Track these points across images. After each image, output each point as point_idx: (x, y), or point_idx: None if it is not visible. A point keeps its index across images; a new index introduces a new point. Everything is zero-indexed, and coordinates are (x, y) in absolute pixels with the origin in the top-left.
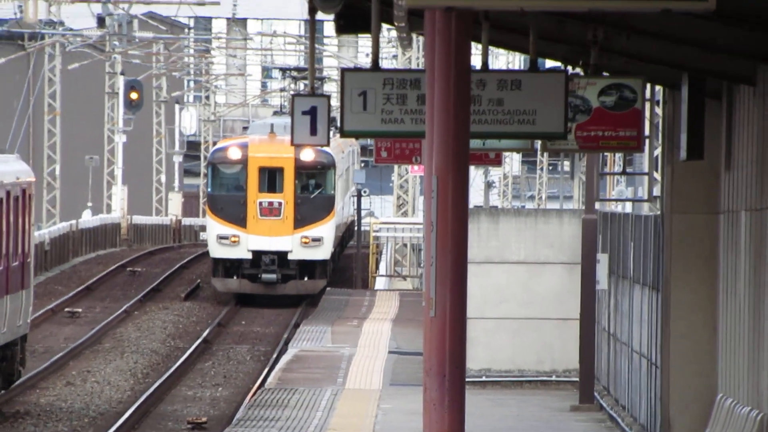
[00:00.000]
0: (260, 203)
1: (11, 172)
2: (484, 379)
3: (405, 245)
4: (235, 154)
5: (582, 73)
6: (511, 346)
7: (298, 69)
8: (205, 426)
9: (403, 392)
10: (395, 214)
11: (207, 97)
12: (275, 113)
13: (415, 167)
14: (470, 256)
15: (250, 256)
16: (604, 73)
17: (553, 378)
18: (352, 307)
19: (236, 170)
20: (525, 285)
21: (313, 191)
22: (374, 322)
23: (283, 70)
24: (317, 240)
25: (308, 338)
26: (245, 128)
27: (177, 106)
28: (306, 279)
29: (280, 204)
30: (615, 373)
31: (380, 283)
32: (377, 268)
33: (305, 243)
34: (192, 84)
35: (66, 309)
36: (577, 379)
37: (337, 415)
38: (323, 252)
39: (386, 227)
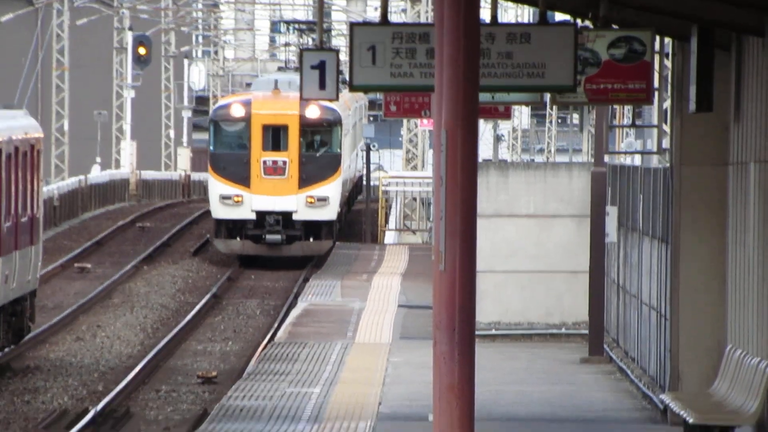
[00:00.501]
0: (264, 162)
1: (19, 127)
2: (493, 332)
3: (414, 199)
4: (237, 111)
5: (591, 26)
6: (520, 299)
7: (302, 22)
8: (215, 380)
9: (412, 346)
10: (404, 168)
11: (215, 52)
12: (280, 69)
13: (425, 121)
14: (480, 209)
15: (253, 216)
16: (614, 26)
17: (563, 331)
18: (361, 262)
19: (239, 128)
20: (534, 238)
21: (318, 149)
22: (384, 276)
23: (288, 23)
24: (323, 200)
25: (318, 292)
26: (248, 84)
27: (185, 61)
28: (311, 240)
29: (284, 163)
30: (624, 326)
31: (389, 237)
32: (386, 222)
33: (311, 203)
34: (200, 39)
35: (75, 264)
36: (587, 331)
37: (347, 368)
38: (329, 212)
39: (395, 181)
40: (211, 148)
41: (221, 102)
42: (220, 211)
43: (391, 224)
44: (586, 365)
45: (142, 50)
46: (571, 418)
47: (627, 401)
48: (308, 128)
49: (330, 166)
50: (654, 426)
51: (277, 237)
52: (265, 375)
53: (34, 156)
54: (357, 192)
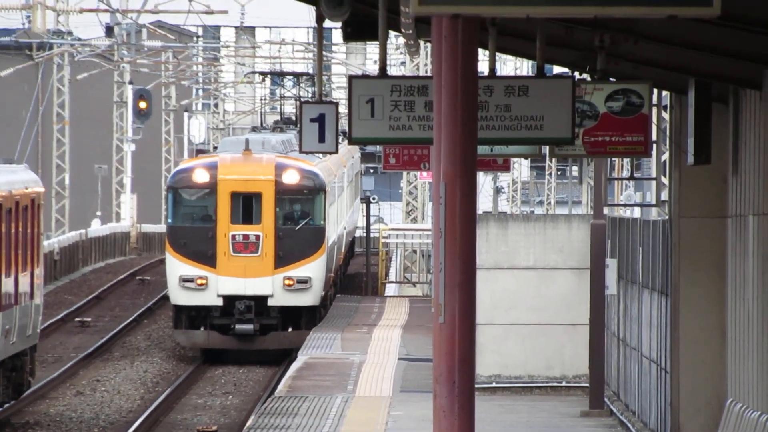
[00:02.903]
0: (233, 237)
1: (20, 182)
2: (494, 385)
3: (414, 251)
4: (201, 176)
5: (589, 79)
6: (520, 351)
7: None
8: None
9: (413, 399)
10: (404, 220)
11: (215, 105)
12: (254, 129)
13: (424, 173)
14: (479, 261)
15: (220, 302)
16: (611, 79)
17: (563, 383)
18: (362, 314)
19: (203, 196)
20: (534, 291)
21: (298, 222)
22: (384, 328)
23: (263, 74)
24: (303, 282)
25: (318, 345)
26: (215, 147)
27: (186, 115)
28: (290, 330)
29: (257, 238)
30: (625, 379)
31: (390, 289)
32: (387, 274)
33: (289, 286)
34: (200, 92)
35: (76, 318)
36: (587, 384)
37: (348, 422)
38: (311, 296)
39: (395, 234)
40: (170, 220)
41: (182, 165)
42: (180, 297)
43: (392, 276)
44: (586, 418)
45: (142, 104)
46: None
47: None
48: (286, 196)
49: (312, 241)
50: None
51: (249, 327)
52: (266, 429)
53: (35, 210)
54: (352, 251)
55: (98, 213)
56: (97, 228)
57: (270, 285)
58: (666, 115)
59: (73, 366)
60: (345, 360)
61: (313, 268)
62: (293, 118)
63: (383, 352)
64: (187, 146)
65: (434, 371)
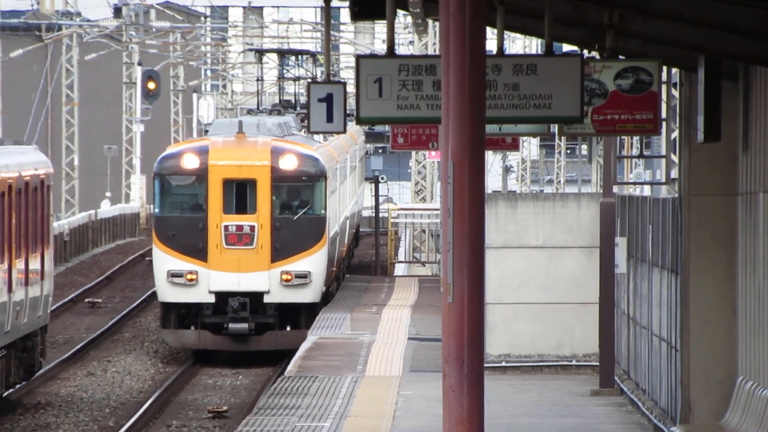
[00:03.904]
0: (226, 228)
1: (29, 163)
2: (503, 364)
3: (423, 231)
4: (190, 161)
5: (598, 57)
6: (530, 331)
7: (273, 50)
8: (225, 414)
9: (423, 378)
10: (413, 200)
11: (224, 86)
12: (249, 111)
13: (433, 153)
14: (488, 241)
15: (212, 299)
16: (620, 57)
17: (573, 362)
18: (371, 294)
19: (193, 184)
20: (544, 270)
21: (296, 211)
22: (393, 308)
23: (259, 51)
24: (302, 276)
25: (328, 326)
26: (206, 131)
27: (194, 95)
28: (288, 329)
29: (252, 228)
30: (635, 357)
31: (399, 269)
32: (396, 254)
33: (287, 281)
34: (209, 73)
35: (86, 299)
36: (597, 363)
37: (358, 402)
38: (311, 293)
39: (404, 213)
40: (157, 210)
41: (169, 150)
42: (168, 293)
43: (401, 256)
44: (596, 397)
45: (151, 84)
46: None
47: None
48: (283, 183)
49: (311, 232)
50: None
51: (244, 326)
52: (276, 409)
53: (44, 191)
54: (357, 241)
55: (108, 194)
56: (106, 209)
57: (266, 280)
58: (676, 93)
59: (83, 347)
60: (354, 340)
61: (313, 262)
62: (293, 100)
63: (393, 331)
64: (196, 127)
65: (443, 351)
